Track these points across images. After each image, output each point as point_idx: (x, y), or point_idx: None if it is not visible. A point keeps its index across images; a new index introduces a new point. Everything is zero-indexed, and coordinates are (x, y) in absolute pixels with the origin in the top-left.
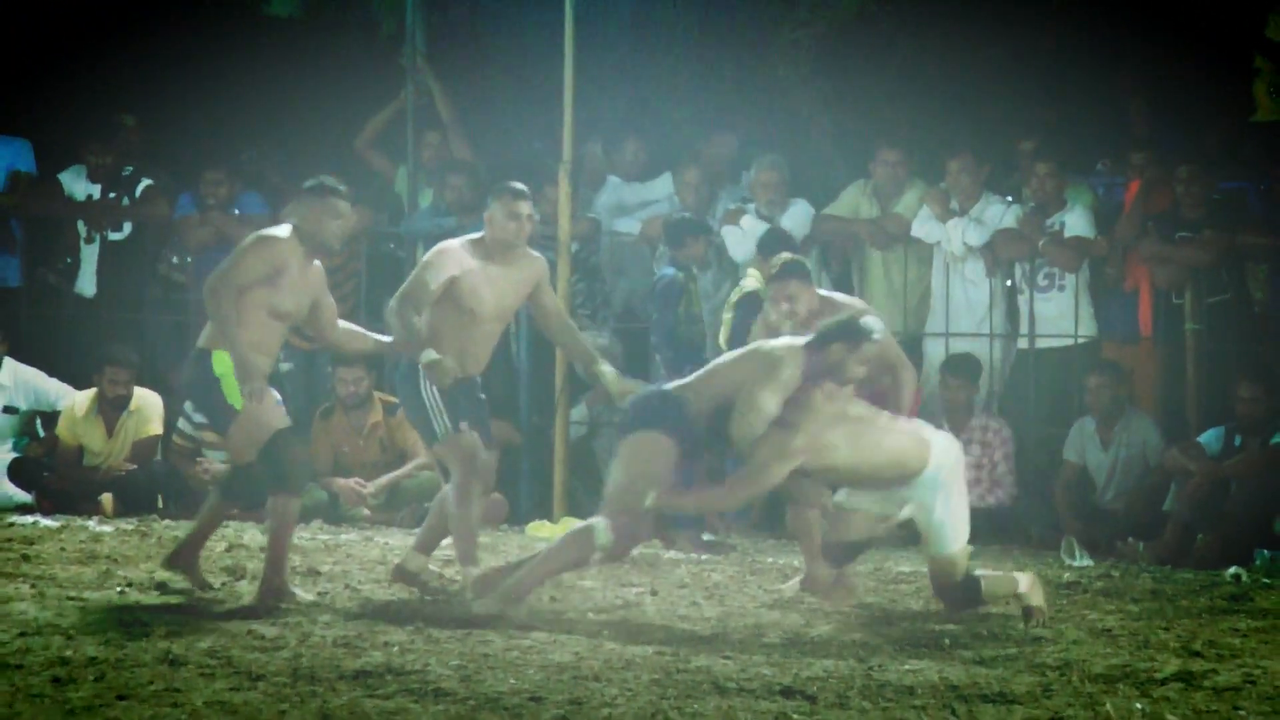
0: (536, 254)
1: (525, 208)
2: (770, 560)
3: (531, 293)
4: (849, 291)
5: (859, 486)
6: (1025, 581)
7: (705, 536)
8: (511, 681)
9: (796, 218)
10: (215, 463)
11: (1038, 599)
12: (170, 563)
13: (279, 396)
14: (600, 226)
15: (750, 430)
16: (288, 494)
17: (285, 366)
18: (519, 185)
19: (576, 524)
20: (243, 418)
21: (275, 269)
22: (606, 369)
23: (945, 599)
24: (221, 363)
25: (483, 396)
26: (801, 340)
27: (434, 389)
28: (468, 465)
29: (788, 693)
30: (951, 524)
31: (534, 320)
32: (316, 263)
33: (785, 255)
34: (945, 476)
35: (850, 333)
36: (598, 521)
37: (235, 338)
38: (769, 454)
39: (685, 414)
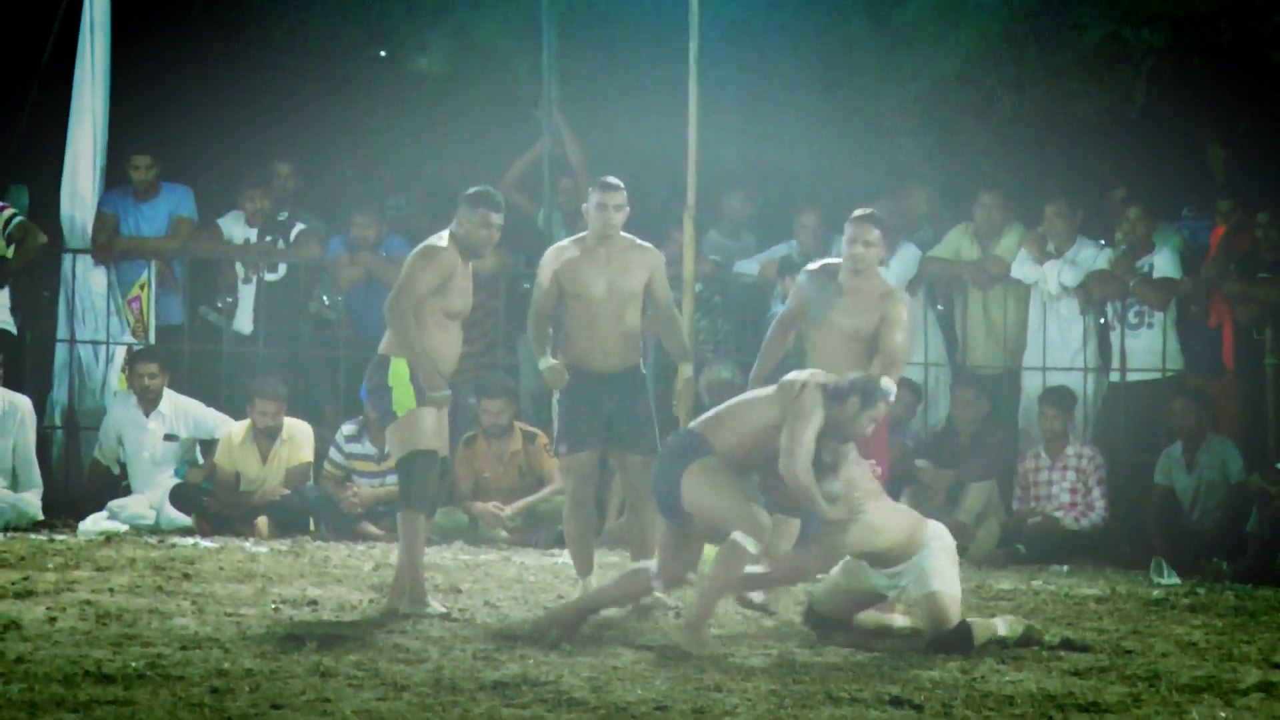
0: (647, 244)
1: (497, 219)
2: None
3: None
4: (952, 329)
5: (864, 558)
6: (1003, 625)
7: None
8: (639, 691)
9: (905, 259)
10: (365, 487)
11: (1020, 630)
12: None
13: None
14: (722, 268)
15: (800, 472)
16: (413, 512)
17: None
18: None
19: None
20: (397, 426)
21: (443, 275)
22: (684, 370)
23: (937, 646)
24: (396, 373)
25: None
26: (823, 379)
27: (558, 402)
28: (570, 480)
29: (896, 702)
30: (947, 583)
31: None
32: (471, 265)
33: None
34: (937, 550)
35: (868, 391)
36: (736, 536)
37: (418, 345)
38: (842, 521)
39: (710, 449)
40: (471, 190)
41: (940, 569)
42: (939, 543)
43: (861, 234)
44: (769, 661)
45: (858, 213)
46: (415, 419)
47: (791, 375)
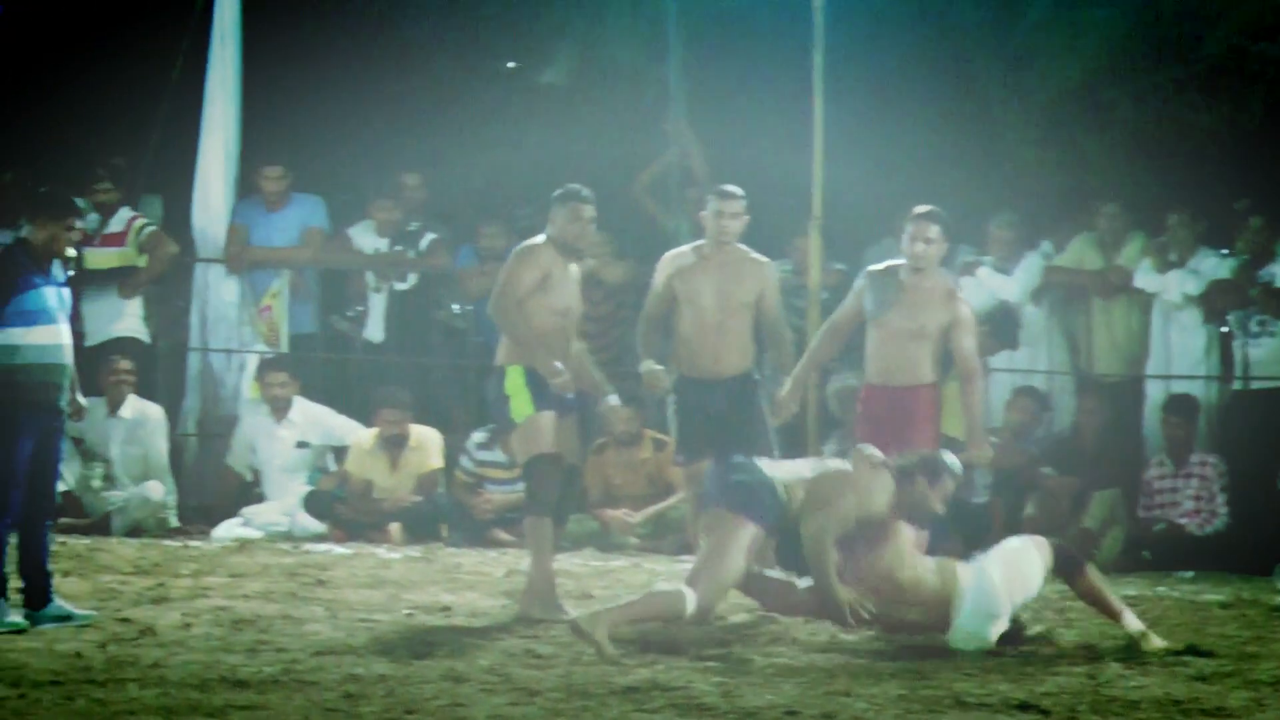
0: (762, 258)
1: (588, 212)
2: None
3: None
4: (1074, 339)
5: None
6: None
7: None
8: (768, 697)
9: (1029, 269)
10: (496, 494)
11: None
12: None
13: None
14: (848, 277)
15: (819, 531)
16: (537, 516)
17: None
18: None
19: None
20: (518, 434)
21: (542, 272)
22: (786, 383)
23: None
24: (512, 381)
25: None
26: (892, 460)
27: (672, 412)
28: (692, 488)
29: (1023, 707)
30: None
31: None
32: (573, 266)
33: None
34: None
35: (933, 468)
36: (687, 592)
37: (530, 343)
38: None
39: (781, 514)
40: (559, 190)
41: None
42: (974, 582)
43: (921, 231)
44: (896, 666)
45: (917, 210)
46: (534, 425)
47: (864, 451)
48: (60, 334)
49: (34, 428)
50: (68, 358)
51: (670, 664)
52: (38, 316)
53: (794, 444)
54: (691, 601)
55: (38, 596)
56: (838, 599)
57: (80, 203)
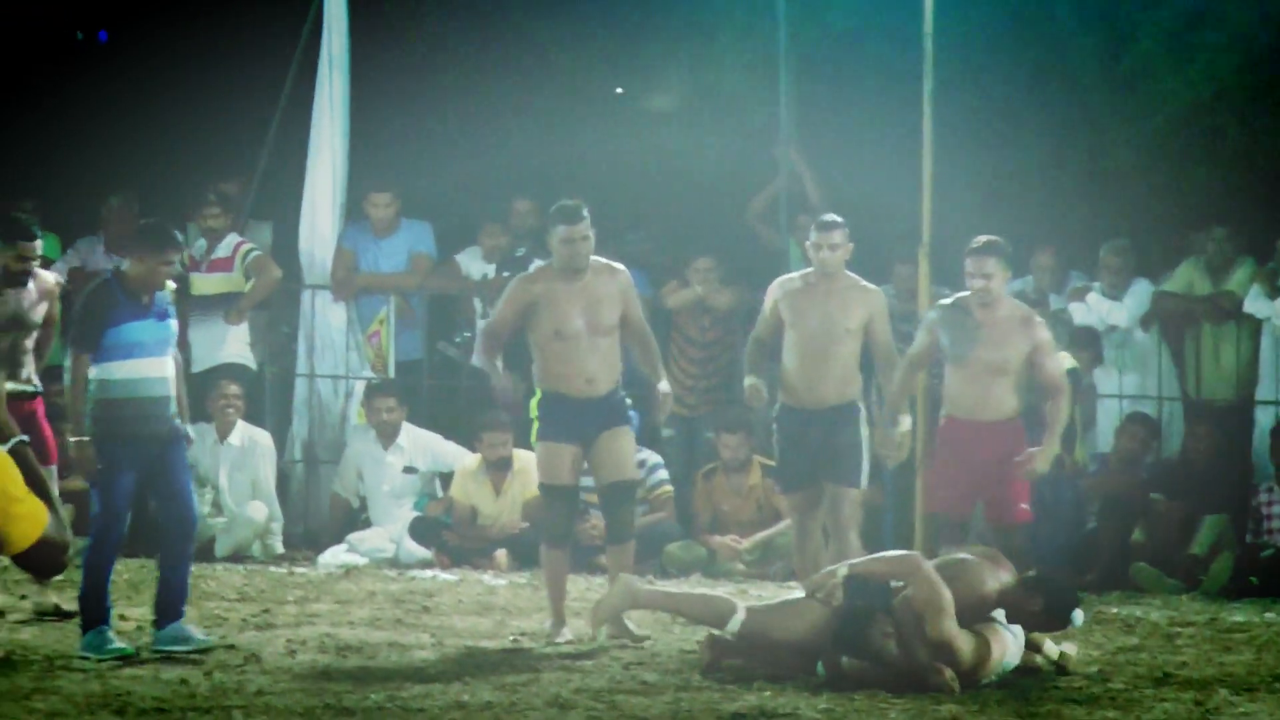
0: (871, 286)
1: (571, 232)
2: (1115, 611)
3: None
4: (1183, 364)
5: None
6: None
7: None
8: None
9: (1138, 295)
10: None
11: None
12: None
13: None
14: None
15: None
16: (546, 544)
17: (668, 431)
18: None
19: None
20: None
21: (524, 303)
22: (902, 423)
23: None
24: (532, 406)
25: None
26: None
27: (774, 441)
28: (793, 517)
29: None
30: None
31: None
32: (609, 276)
33: (986, 237)
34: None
35: (1058, 606)
36: (740, 607)
37: (492, 369)
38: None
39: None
40: (554, 207)
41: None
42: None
43: (979, 267)
44: (1003, 693)
45: (974, 244)
46: (541, 452)
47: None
48: (156, 367)
49: (135, 460)
50: (165, 390)
51: (777, 691)
52: (131, 350)
53: (906, 466)
54: (740, 620)
55: (165, 614)
56: (940, 681)
57: (190, 229)
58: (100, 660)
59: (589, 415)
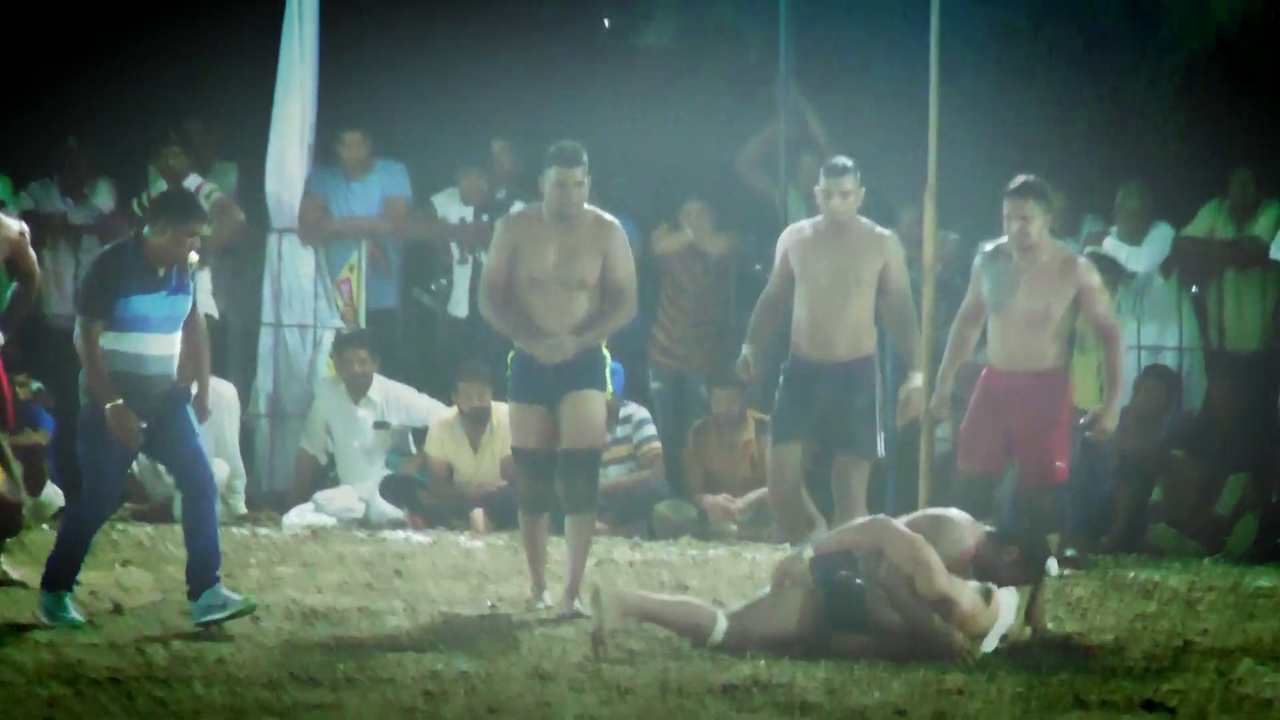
0: (885, 231)
1: (566, 176)
2: (1132, 575)
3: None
4: (1205, 313)
5: None
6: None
7: (1068, 551)
8: (876, 695)
9: (1157, 241)
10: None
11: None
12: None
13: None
14: (963, 248)
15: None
16: (521, 509)
17: (656, 385)
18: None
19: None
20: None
21: (511, 243)
22: (913, 378)
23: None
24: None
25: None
26: (984, 527)
27: (777, 392)
28: (770, 475)
29: (1149, 706)
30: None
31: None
32: (600, 228)
33: (1025, 177)
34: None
35: (1033, 555)
36: (721, 617)
37: (499, 319)
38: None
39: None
40: (551, 147)
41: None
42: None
43: (1016, 209)
44: (1013, 663)
45: (1011, 184)
46: (510, 414)
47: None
48: (160, 344)
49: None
50: (166, 368)
51: (772, 660)
52: (136, 324)
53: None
54: (722, 630)
55: (199, 583)
56: (951, 641)
57: (149, 171)
58: (52, 625)
59: (556, 374)
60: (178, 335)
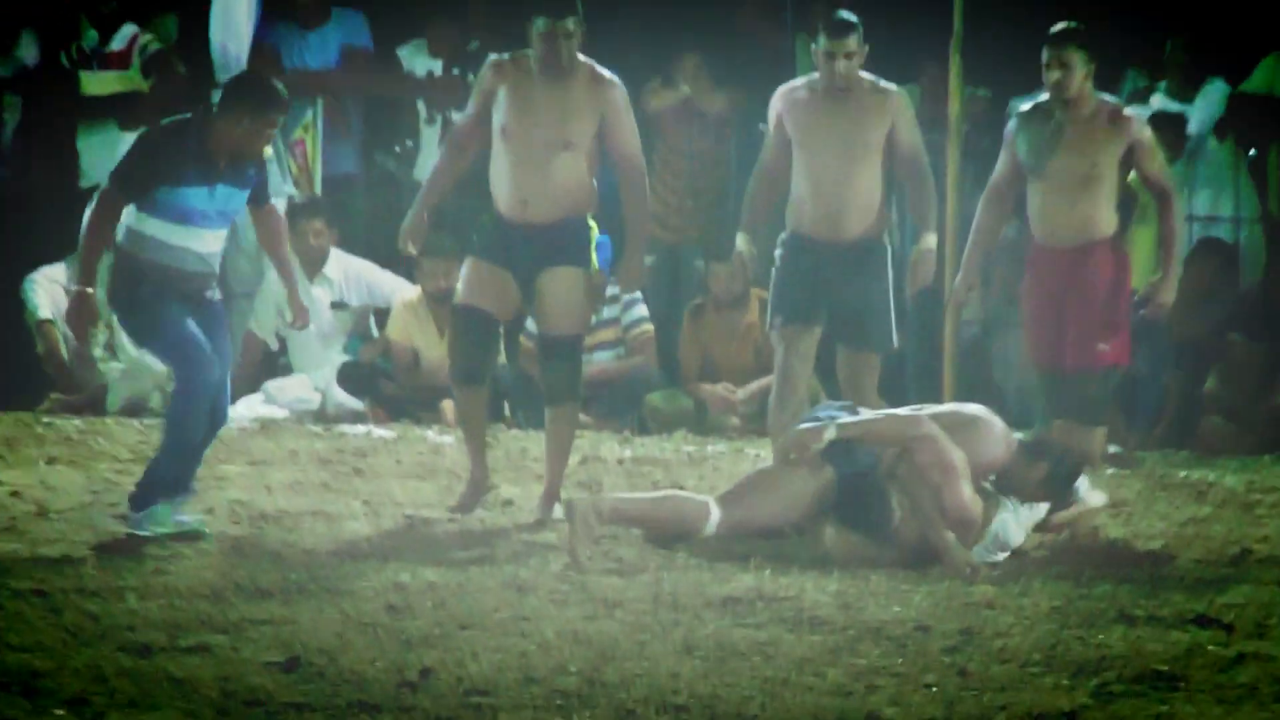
0: (889, 86)
1: (552, 26)
2: (1183, 475)
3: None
4: (1264, 179)
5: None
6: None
7: (1111, 449)
8: (896, 609)
9: (1210, 97)
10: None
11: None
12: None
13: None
14: (995, 106)
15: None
16: (454, 381)
17: (649, 258)
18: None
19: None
20: None
21: (483, 95)
22: (925, 240)
23: None
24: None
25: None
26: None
27: (775, 272)
28: (780, 356)
29: (1202, 621)
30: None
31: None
32: (594, 85)
33: (1066, 23)
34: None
35: (1061, 473)
36: (713, 507)
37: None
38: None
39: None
40: None
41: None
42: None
43: (1056, 58)
44: (1050, 572)
45: (1052, 31)
46: (469, 270)
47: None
48: (207, 240)
49: (179, 298)
50: (209, 266)
51: (779, 570)
52: (184, 217)
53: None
54: (715, 521)
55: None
56: (959, 557)
57: (80, 20)
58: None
59: (525, 246)
60: (224, 232)
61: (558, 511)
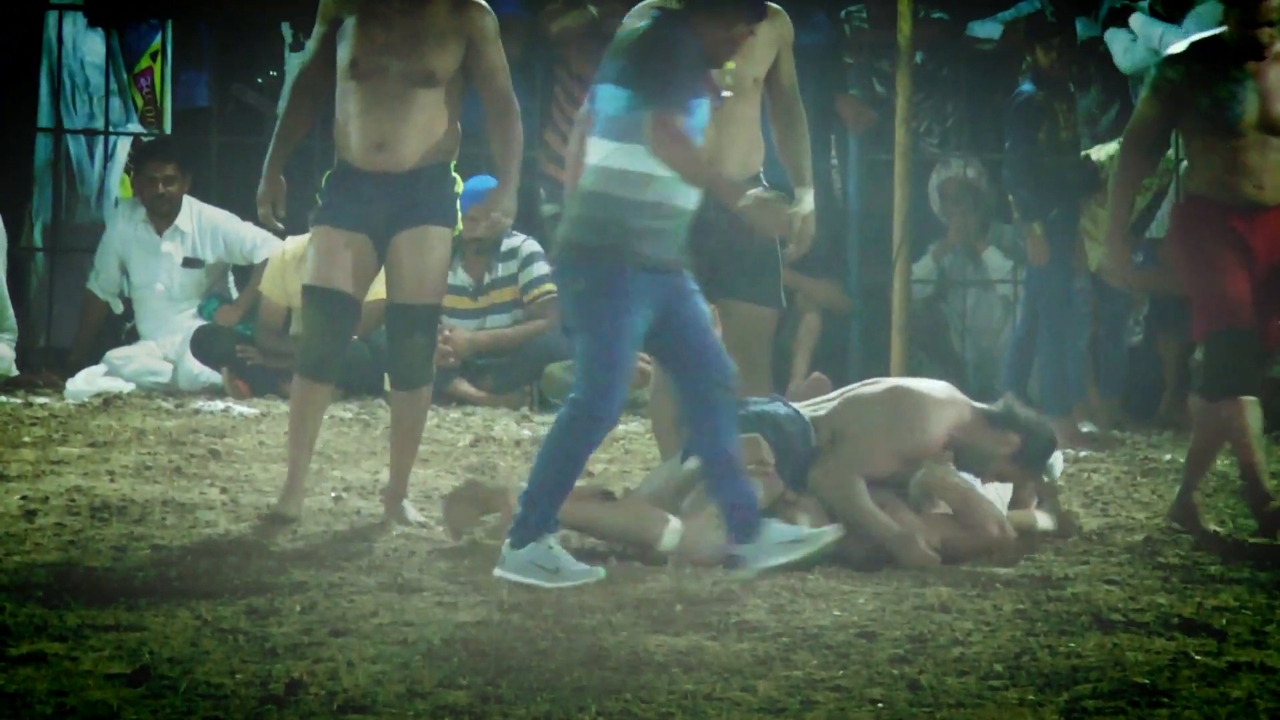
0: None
1: None
2: (1168, 459)
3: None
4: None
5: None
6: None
7: (1084, 427)
8: (836, 614)
9: (1201, 16)
10: (460, 331)
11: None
12: None
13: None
14: (951, 29)
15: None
16: (298, 372)
17: (549, 207)
18: None
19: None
20: None
21: (327, 23)
22: (803, 199)
23: None
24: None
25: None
26: (976, 405)
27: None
28: None
29: (1189, 627)
30: None
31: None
32: (459, 8)
33: None
34: None
35: (1035, 446)
36: (674, 522)
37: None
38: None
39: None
40: None
41: None
42: None
43: None
44: (1014, 573)
45: None
46: (318, 240)
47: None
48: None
49: (654, 290)
50: (691, 204)
51: (700, 570)
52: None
53: (880, 262)
54: (675, 535)
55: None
56: (896, 534)
57: None
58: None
59: (382, 199)
60: None
61: (407, 508)
